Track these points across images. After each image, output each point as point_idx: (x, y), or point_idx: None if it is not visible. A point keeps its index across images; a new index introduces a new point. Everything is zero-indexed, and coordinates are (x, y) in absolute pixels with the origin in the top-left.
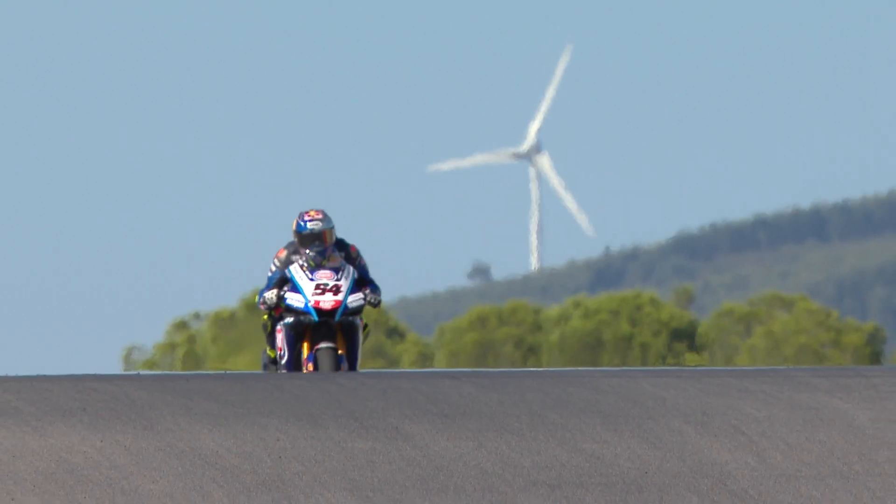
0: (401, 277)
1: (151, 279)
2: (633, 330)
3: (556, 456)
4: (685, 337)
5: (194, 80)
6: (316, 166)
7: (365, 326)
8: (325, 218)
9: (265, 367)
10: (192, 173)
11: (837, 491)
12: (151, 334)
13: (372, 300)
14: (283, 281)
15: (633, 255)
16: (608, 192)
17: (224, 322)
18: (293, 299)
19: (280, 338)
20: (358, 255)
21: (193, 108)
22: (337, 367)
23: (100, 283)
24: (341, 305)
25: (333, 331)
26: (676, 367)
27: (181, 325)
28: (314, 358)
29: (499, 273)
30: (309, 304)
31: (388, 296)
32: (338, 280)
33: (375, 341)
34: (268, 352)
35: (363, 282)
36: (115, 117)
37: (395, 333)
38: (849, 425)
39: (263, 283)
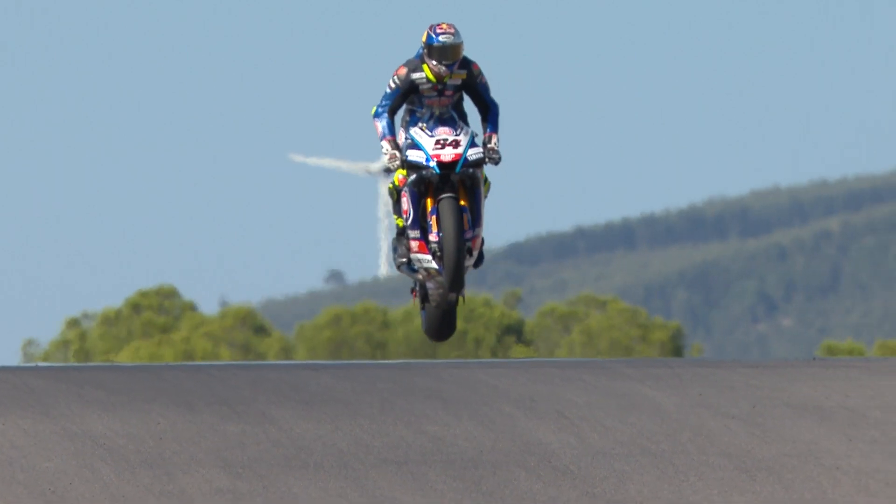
0: (266, 281)
1: (49, 280)
2: (468, 326)
3: (403, 437)
4: (514, 333)
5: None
6: (195, 164)
7: (485, 180)
8: (457, 33)
9: (394, 247)
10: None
11: (646, 466)
12: (47, 330)
13: (491, 156)
14: (404, 97)
15: None
16: None
17: (110, 320)
18: (415, 155)
19: (405, 201)
20: (480, 73)
21: (83, 108)
22: (460, 217)
23: (1, 282)
24: (461, 158)
25: (455, 185)
26: (507, 360)
27: (73, 323)
28: (437, 210)
29: (351, 278)
30: (430, 159)
31: (254, 298)
32: (457, 136)
33: (243, 338)
34: (395, 222)
35: (485, 107)
36: (9, 122)
37: (261, 331)
38: (656, 410)
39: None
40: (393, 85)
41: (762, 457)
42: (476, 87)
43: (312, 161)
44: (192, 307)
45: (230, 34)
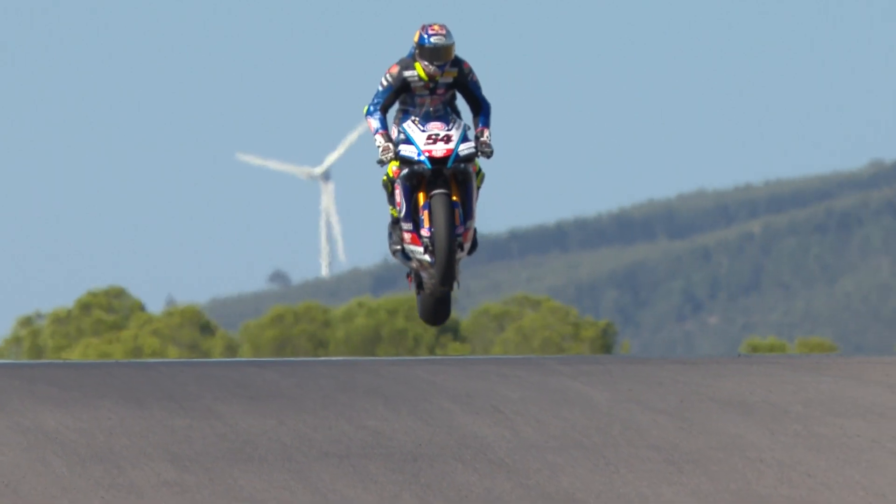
0: (211, 281)
1: (1, 280)
2: (407, 325)
3: (345, 431)
4: (450, 331)
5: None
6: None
7: (478, 172)
8: (448, 34)
9: (390, 234)
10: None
11: (578, 458)
12: None
13: (484, 150)
14: (396, 94)
15: None
16: (384, 210)
17: (61, 319)
18: (407, 150)
19: (398, 193)
20: (470, 70)
21: (31, 110)
22: (451, 213)
23: None
24: (452, 153)
25: (447, 179)
26: (444, 357)
27: (26, 322)
28: (429, 205)
29: (295, 278)
30: (421, 154)
31: (200, 297)
32: (448, 130)
33: (189, 336)
34: (391, 212)
35: (476, 104)
36: None
37: (206, 329)
38: (588, 404)
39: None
40: (385, 82)
41: (689, 450)
42: (467, 84)
43: (259, 162)
44: (140, 307)
45: (179, 33)
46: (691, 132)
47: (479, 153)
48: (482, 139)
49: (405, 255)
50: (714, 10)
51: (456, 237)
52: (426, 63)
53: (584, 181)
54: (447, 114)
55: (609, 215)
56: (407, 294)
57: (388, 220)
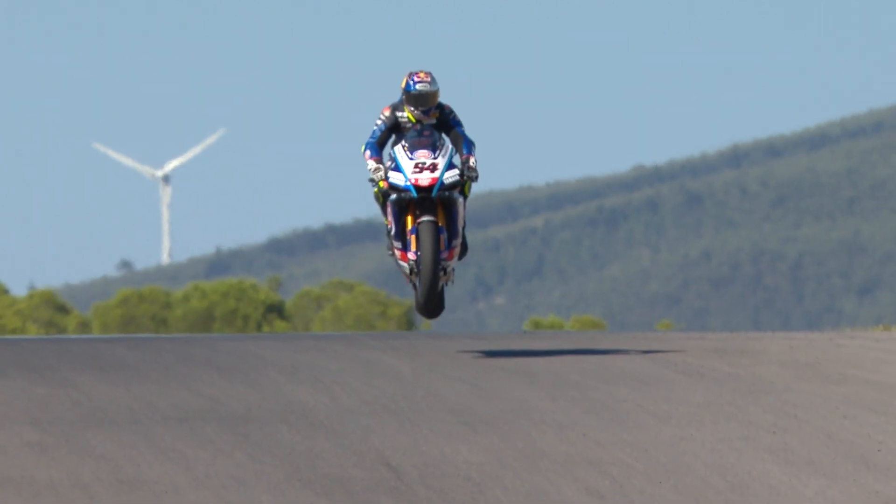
0: (65, 267)
1: None
2: (239, 305)
3: (184, 398)
4: (276, 311)
5: None
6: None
7: (469, 181)
8: (433, 80)
9: (387, 237)
10: None
11: (387, 421)
12: None
13: (470, 175)
14: (390, 131)
15: (237, 253)
16: (217, 207)
17: None
18: (395, 178)
19: (389, 213)
20: (452, 111)
21: None
22: (437, 238)
23: None
24: (438, 182)
25: (434, 205)
26: (271, 333)
27: None
28: (417, 230)
29: (139, 265)
30: (408, 182)
31: (56, 282)
32: (435, 159)
33: (48, 315)
34: (384, 221)
35: (458, 137)
36: None
37: (62, 310)
38: (395, 374)
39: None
40: (379, 122)
41: (482, 413)
42: (450, 122)
43: (113, 155)
44: (4, 290)
45: (39, 22)
46: (481, 138)
47: (466, 178)
48: (468, 164)
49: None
50: (489, 20)
51: (440, 262)
52: (412, 108)
53: None
54: (435, 140)
55: None
56: (237, 280)
57: (385, 227)
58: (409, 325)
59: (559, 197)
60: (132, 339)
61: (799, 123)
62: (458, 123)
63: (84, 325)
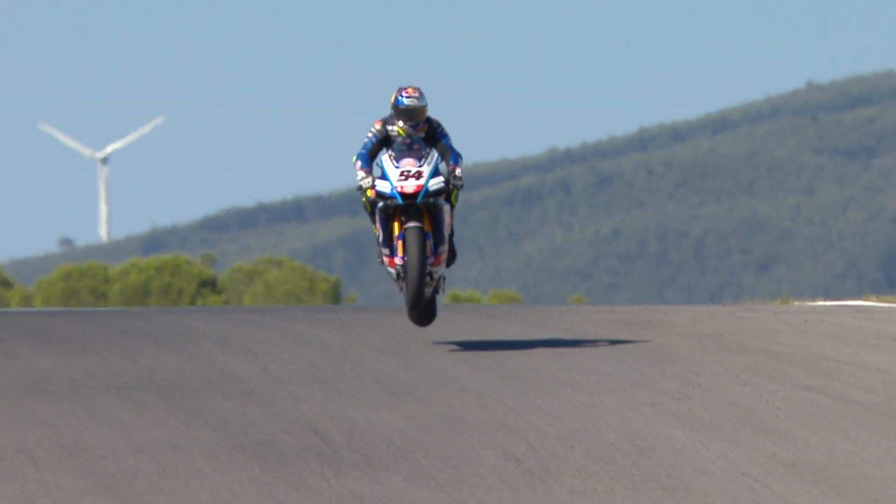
0: (8, 243)
1: None
2: (173, 280)
3: (122, 368)
4: (209, 285)
5: None
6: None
7: (456, 190)
8: (421, 96)
9: (376, 244)
10: None
11: (315, 390)
12: None
13: (455, 183)
14: (381, 144)
15: (173, 231)
16: (154, 188)
17: None
18: (381, 186)
19: (376, 220)
20: (440, 125)
21: None
22: (423, 244)
23: None
24: (422, 189)
25: (420, 211)
26: (205, 307)
27: None
28: (403, 236)
29: (79, 242)
30: (394, 189)
31: (0, 258)
32: (420, 166)
33: None
34: (374, 230)
35: (446, 150)
36: None
37: (6, 284)
38: (323, 345)
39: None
40: (370, 135)
41: (405, 381)
42: (437, 136)
43: (57, 134)
44: None
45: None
46: None
47: (452, 186)
48: (454, 174)
49: None
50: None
51: (426, 267)
52: (401, 123)
53: (320, 162)
54: (421, 148)
55: (339, 193)
56: (171, 256)
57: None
58: (336, 299)
59: (477, 178)
60: (73, 312)
61: (701, 109)
62: (446, 136)
63: (27, 299)
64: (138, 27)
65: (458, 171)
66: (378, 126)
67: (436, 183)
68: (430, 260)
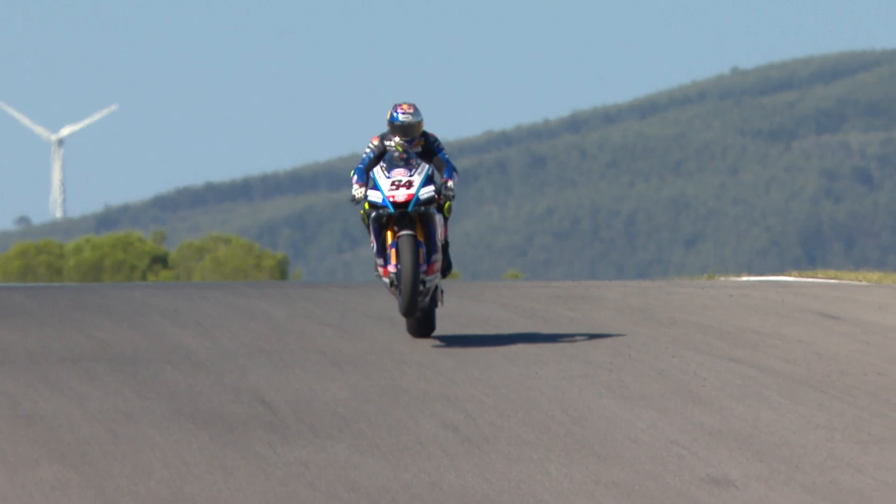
0: None
1: None
2: (126, 256)
3: (78, 341)
4: (160, 262)
5: None
6: None
7: (448, 201)
8: (416, 112)
9: (374, 255)
10: None
11: (262, 362)
12: None
13: (446, 194)
14: (378, 159)
15: (125, 209)
16: (107, 168)
17: None
18: (374, 196)
19: (371, 230)
20: (436, 139)
21: None
22: (416, 252)
23: None
24: (413, 198)
25: (412, 220)
26: (156, 282)
27: None
28: (396, 244)
29: (35, 220)
30: (385, 199)
31: None
32: (411, 176)
33: None
34: (371, 242)
35: (441, 163)
36: None
37: None
38: (270, 319)
39: None
40: (368, 150)
41: (349, 353)
42: (433, 150)
43: (13, 113)
44: None
45: None
46: (334, 104)
47: (443, 197)
48: (447, 185)
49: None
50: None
51: (419, 275)
52: (397, 138)
53: (268, 142)
54: (412, 160)
55: (284, 172)
56: (124, 234)
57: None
58: (283, 275)
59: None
60: (29, 287)
61: (631, 93)
62: (442, 150)
63: None
64: (95, 14)
65: (450, 183)
66: (375, 142)
67: (427, 192)
68: (424, 268)
